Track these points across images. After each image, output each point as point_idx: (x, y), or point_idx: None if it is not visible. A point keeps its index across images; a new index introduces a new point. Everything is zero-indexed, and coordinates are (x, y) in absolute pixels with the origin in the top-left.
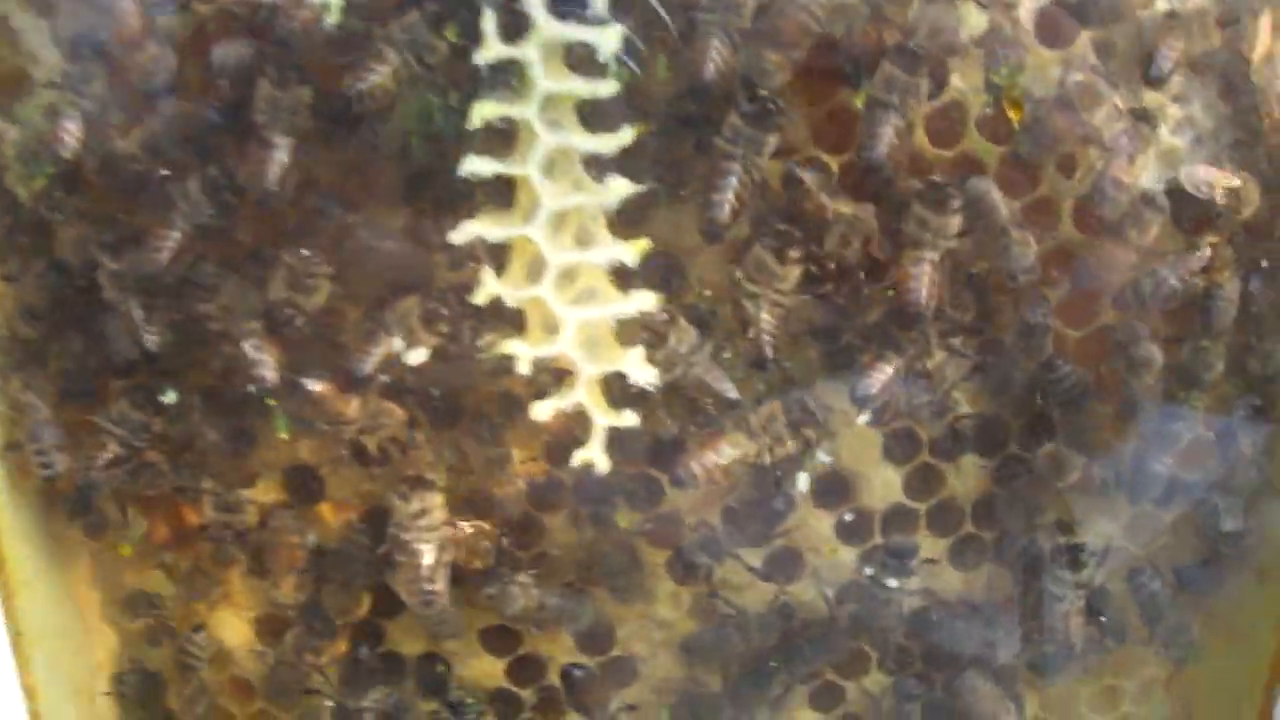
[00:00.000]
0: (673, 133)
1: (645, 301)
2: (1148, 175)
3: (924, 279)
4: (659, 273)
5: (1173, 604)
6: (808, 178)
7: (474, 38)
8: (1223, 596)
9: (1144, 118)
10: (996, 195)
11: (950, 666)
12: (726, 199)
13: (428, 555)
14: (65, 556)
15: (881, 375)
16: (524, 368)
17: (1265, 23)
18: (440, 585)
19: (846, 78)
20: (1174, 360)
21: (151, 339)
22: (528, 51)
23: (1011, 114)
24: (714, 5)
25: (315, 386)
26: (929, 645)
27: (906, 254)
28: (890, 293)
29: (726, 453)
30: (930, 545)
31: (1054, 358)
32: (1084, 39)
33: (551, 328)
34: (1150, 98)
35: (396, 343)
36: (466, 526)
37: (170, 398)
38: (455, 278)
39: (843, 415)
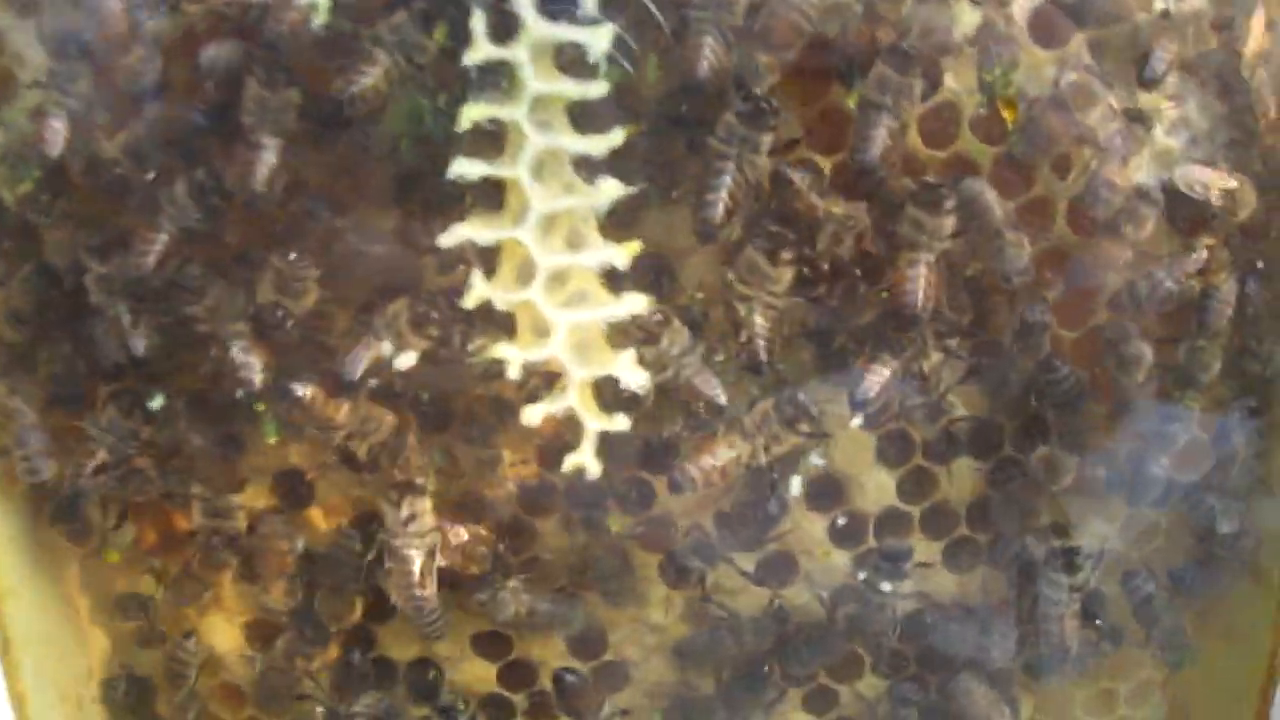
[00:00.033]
0: (664, 133)
1: (637, 304)
2: (1143, 176)
3: (920, 281)
4: (651, 275)
5: (1168, 606)
6: (798, 178)
7: (463, 38)
8: (1219, 599)
9: (1138, 118)
10: (990, 196)
11: (945, 669)
12: (720, 198)
13: (417, 561)
14: (53, 562)
15: (879, 378)
16: (514, 372)
17: (1257, 19)
18: (429, 590)
19: (839, 78)
20: (1170, 361)
21: (138, 343)
22: (517, 52)
23: (1006, 114)
24: (706, 3)
25: (304, 391)
26: (923, 649)
27: (902, 256)
28: (885, 295)
29: (723, 454)
30: (924, 548)
31: (1051, 358)
32: (1079, 39)
33: (542, 331)
34: (1145, 98)
35: (386, 347)
36: (463, 533)
37: (158, 403)
38: (445, 281)
39: (836, 418)
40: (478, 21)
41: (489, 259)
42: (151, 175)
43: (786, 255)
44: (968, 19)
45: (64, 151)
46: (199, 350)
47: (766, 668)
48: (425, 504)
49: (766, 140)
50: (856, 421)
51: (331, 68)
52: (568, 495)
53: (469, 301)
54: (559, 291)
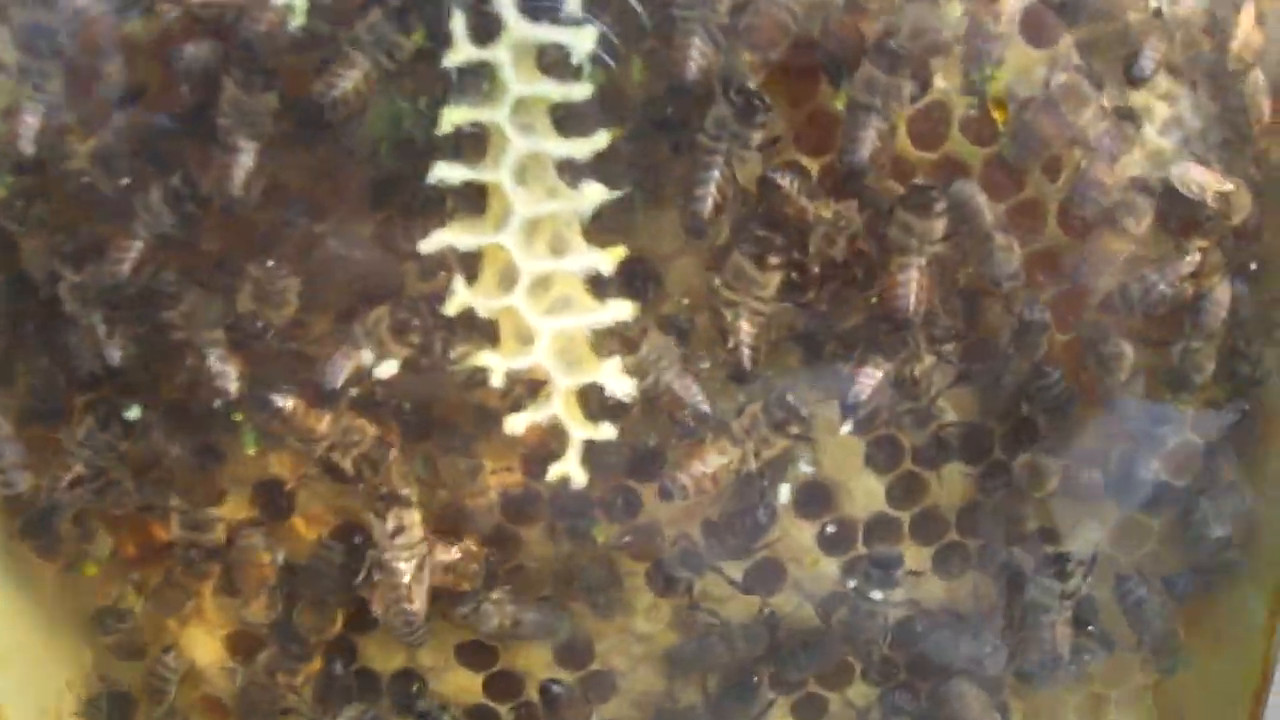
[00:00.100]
0: (649, 136)
1: (622, 310)
2: (1135, 174)
3: (911, 285)
4: (635, 281)
5: (1160, 611)
6: (786, 183)
7: (443, 40)
8: (1211, 603)
9: (1128, 116)
10: (981, 200)
11: (935, 676)
12: (709, 193)
13: (406, 575)
14: (30, 575)
15: (871, 381)
16: (498, 380)
17: (1247, 12)
18: (418, 605)
19: (827, 77)
20: (1164, 363)
21: (114, 353)
22: (499, 53)
23: (996, 115)
24: (692, 2)
25: (285, 403)
26: (913, 655)
27: (893, 260)
28: (876, 300)
29: (713, 460)
30: (914, 554)
31: (1041, 363)
32: (1068, 39)
33: (526, 338)
34: (1137, 97)
35: (366, 355)
36: (455, 550)
37: (134, 414)
38: (426, 287)
39: (825, 423)
40: (458, 22)
41: (471, 265)
42: (125, 182)
43: (774, 260)
44: (957, 19)
45: (38, 152)
46: (175, 359)
47: (755, 678)
48: (414, 516)
49: (757, 137)
50: (846, 428)
51: (310, 70)
52: (553, 504)
53: (451, 308)
54: (542, 298)
